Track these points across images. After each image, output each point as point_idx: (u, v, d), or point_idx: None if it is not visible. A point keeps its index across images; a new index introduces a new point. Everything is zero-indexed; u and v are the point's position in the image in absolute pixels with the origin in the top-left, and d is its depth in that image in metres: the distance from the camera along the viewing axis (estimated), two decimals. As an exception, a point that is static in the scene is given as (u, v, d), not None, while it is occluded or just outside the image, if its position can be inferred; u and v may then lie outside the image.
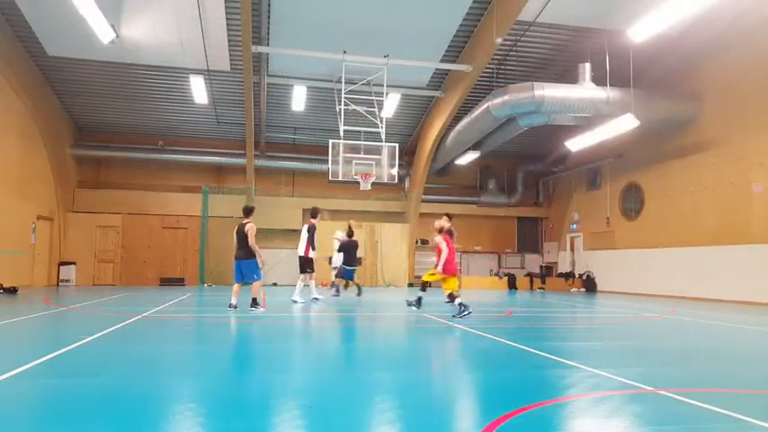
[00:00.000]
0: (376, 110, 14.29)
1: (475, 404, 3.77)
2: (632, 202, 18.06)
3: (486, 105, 14.61)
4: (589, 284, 19.52)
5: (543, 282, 20.48)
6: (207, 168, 20.44)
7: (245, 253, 9.10)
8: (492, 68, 15.80)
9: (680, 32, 14.25)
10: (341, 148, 13.17)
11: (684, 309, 11.61)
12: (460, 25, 14.28)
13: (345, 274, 13.68)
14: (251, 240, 9.03)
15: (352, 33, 14.15)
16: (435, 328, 7.80)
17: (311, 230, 11.76)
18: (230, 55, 15.20)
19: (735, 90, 13.90)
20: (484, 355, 5.58)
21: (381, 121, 13.65)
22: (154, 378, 4.22)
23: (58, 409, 3.35)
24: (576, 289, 19.92)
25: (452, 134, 17.59)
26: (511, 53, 15.22)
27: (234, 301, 9.25)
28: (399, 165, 15.57)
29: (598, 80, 14.17)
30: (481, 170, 22.27)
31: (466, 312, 8.59)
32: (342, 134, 13.42)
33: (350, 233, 13.82)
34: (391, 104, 17.33)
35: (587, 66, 14.37)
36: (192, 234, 19.50)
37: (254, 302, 9.24)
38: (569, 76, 15.27)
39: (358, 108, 14.22)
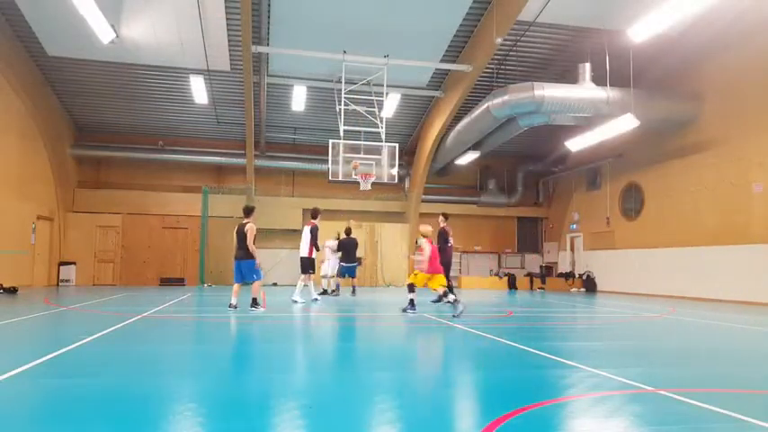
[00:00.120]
0: (376, 110, 14.29)
1: (475, 404, 3.77)
2: (632, 202, 18.06)
3: (486, 105, 14.61)
4: (589, 284, 19.52)
5: (543, 282, 20.48)
6: (207, 168, 20.44)
7: (245, 253, 9.09)
8: (492, 68, 15.80)
9: (680, 32, 14.25)
10: (341, 148, 13.17)
11: (684, 309, 11.61)
12: (460, 25, 14.28)
13: (344, 272, 13.75)
14: (249, 241, 9.02)
15: (352, 33, 14.15)
16: (435, 327, 7.80)
17: (314, 231, 11.78)
18: (230, 55, 15.20)
19: (735, 90, 13.90)
20: (484, 355, 5.58)
21: (381, 121, 13.65)
22: (154, 378, 4.22)
23: (58, 409, 3.35)
24: (576, 289, 19.92)
25: (452, 134, 17.59)
26: (511, 53, 15.22)
27: (234, 301, 9.25)
28: (399, 165, 15.57)
29: (598, 80, 14.17)
30: (481, 170, 22.27)
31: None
32: (342, 134, 13.42)
33: (348, 231, 13.96)
34: (391, 104, 17.33)
35: (587, 66, 14.37)
36: (192, 234, 19.50)
37: (254, 302, 9.24)
38: (569, 76, 15.27)
39: (358, 108, 14.22)
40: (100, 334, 6.24)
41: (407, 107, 18.69)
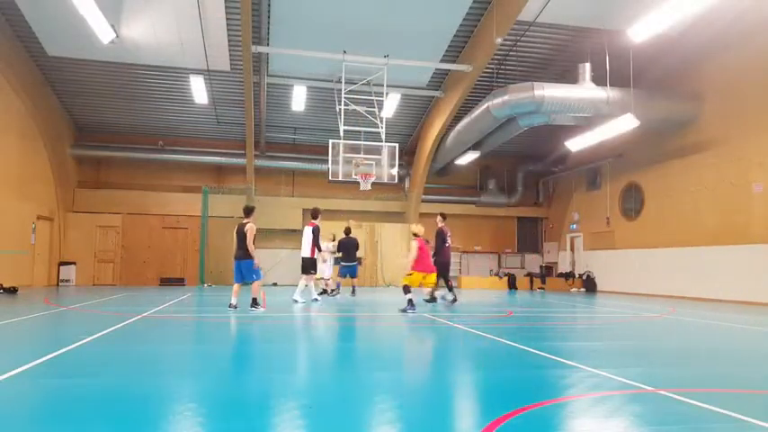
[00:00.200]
0: (376, 110, 14.29)
1: (475, 404, 3.77)
2: (632, 202, 18.06)
3: (486, 105, 14.60)
4: (589, 284, 19.52)
5: (543, 282, 20.48)
6: (207, 168, 20.44)
7: (245, 253, 9.10)
8: (492, 68, 15.80)
9: (680, 32, 14.25)
10: (341, 148, 13.17)
11: (684, 309, 11.60)
12: (460, 25, 14.28)
13: (345, 272, 13.74)
14: (249, 241, 9.02)
15: (352, 33, 14.16)
16: (435, 327, 7.80)
17: (316, 232, 11.80)
18: (230, 55, 15.20)
19: (735, 90, 13.90)
20: (484, 355, 5.58)
21: (381, 121, 13.65)
22: (154, 378, 4.22)
23: (58, 409, 3.35)
24: (575, 289, 19.92)
25: (452, 134, 17.59)
26: (511, 53, 15.22)
27: (234, 301, 9.25)
28: (399, 165, 15.56)
29: (598, 80, 14.17)
30: (481, 170, 22.27)
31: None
32: (342, 134, 13.42)
33: (347, 231, 13.95)
34: (391, 104, 17.33)
35: (587, 66, 14.37)
36: (192, 234, 19.50)
37: (254, 302, 9.24)
38: (569, 76, 15.27)
39: (358, 108, 14.22)
40: (100, 334, 6.24)
41: (407, 107, 18.69)
